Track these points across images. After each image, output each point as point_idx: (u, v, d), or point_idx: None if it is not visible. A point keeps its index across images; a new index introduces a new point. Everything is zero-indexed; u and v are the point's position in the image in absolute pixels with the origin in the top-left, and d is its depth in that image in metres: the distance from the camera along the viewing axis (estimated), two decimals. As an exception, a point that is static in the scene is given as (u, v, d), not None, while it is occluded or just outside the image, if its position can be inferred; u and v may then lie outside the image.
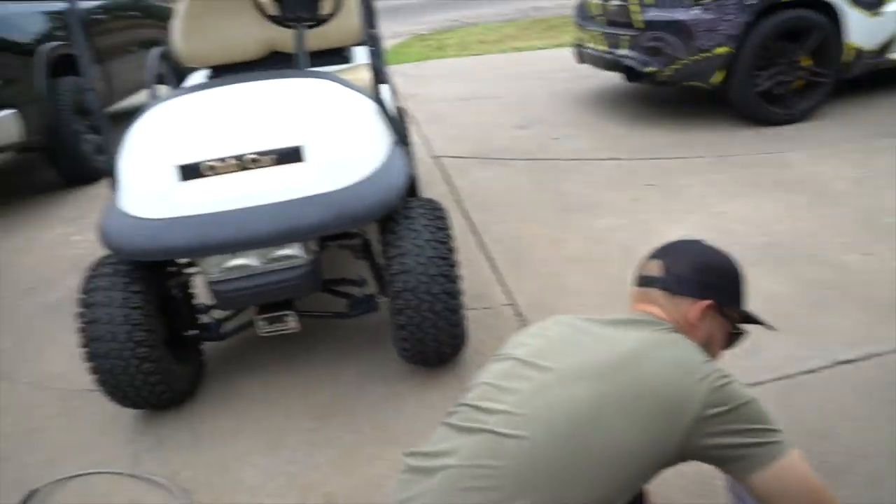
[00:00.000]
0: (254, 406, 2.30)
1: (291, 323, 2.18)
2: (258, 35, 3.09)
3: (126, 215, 1.99)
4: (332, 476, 1.97)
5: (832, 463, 1.74)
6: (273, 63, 2.98)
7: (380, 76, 2.33)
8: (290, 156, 1.93)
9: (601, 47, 4.83)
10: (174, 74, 3.32)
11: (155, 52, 2.88)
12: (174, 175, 1.93)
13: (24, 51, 4.41)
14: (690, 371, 1.14)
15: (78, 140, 4.71)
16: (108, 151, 2.23)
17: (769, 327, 1.39)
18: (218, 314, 2.43)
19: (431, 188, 3.89)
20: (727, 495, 1.40)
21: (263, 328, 2.19)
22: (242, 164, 1.91)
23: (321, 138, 2.00)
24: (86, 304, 2.05)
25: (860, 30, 4.20)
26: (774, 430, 1.12)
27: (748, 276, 1.41)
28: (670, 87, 4.97)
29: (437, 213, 2.16)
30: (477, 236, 3.36)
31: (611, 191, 3.73)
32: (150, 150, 2.08)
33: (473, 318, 2.47)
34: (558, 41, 8.05)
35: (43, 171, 5.31)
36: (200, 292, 2.48)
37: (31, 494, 2.01)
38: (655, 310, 1.30)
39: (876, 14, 4.20)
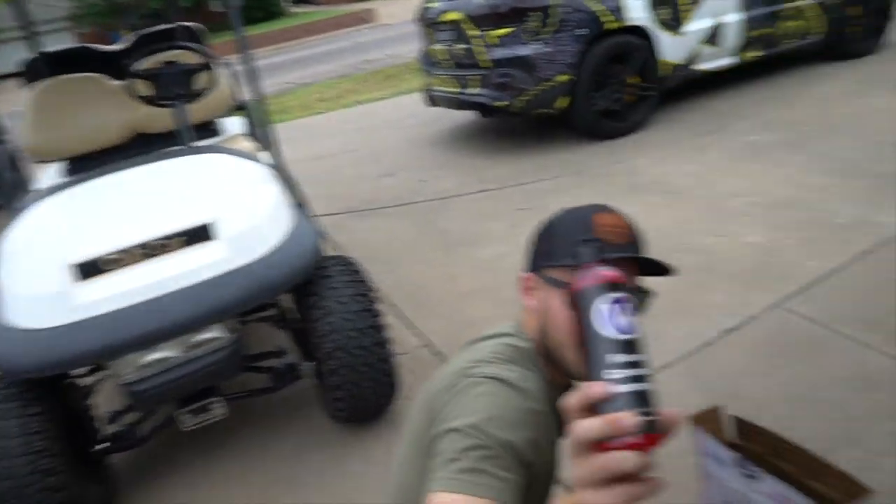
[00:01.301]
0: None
1: (219, 410, 2.06)
2: (118, 119, 2.91)
3: (14, 329, 1.78)
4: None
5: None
6: (138, 146, 2.83)
7: (263, 143, 2.31)
8: (199, 235, 1.85)
9: (452, 89, 5.08)
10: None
11: (1, 150, 2.65)
12: (70, 275, 1.77)
13: None
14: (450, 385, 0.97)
15: None
16: None
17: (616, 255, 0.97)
18: (128, 419, 2.22)
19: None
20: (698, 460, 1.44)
21: (188, 422, 2.04)
22: (148, 251, 1.80)
23: (228, 212, 1.93)
24: None
25: (670, 48, 4.83)
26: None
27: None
28: (522, 118, 5.32)
29: (352, 268, 2.16)
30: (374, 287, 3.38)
31: (489, 221, 3.90)
32: (37, 251, 1.90)
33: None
34: (398, 89, 8.29)
35: None
36: (102, 400, 2.30)
37: None
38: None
39: (679, 34, 4.84)
